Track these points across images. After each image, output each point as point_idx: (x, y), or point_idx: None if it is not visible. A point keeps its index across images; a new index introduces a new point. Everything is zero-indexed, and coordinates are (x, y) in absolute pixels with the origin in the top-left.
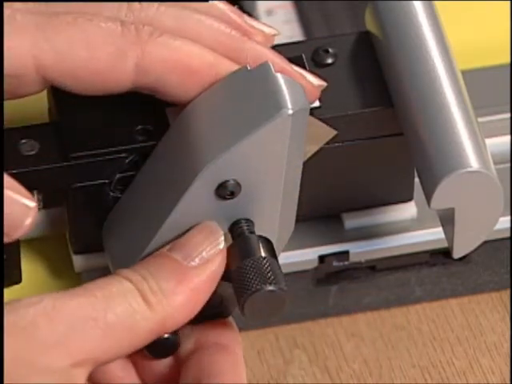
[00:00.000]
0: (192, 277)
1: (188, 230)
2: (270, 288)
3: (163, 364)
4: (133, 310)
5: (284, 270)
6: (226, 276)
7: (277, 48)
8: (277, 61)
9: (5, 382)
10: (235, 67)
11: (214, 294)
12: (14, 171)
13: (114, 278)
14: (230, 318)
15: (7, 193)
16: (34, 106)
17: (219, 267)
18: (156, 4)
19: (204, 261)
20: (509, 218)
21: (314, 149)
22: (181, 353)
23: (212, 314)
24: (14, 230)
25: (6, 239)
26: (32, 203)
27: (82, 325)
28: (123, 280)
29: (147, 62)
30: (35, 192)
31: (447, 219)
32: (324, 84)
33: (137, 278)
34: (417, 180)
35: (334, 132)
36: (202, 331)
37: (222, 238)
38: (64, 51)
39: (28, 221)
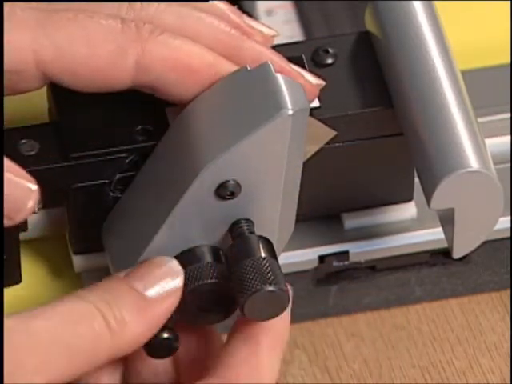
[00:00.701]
0: (151, 309)
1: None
2: (270, 288)
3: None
4: (96, 334)
5: (284, 270)
6: (228, 276)
7: (277, 48)
8: (275, 60)
9: None
10: (234, 67)
11: (214, 296)
12: None
13: (79, 302)
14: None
15: (9, 176)
16: (34, 106)
17: (175, 303)
18: (156, 3)
19: (163, 294)
20: (509, 218)
21: (313, 149)
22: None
23: (211, 315)
24: (16, 213)
25: (8, 222)
26: (34, 186)
27: (46, 349)
28: (89, 304)
29: (147, 60)
30: None
31: (447, 219)
32: (322, 83)
33: (102, 303)
34: (417, 180)
35: (334, 133)
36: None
37: (182, 276)
38: (64, 47)
39: (30, 203)
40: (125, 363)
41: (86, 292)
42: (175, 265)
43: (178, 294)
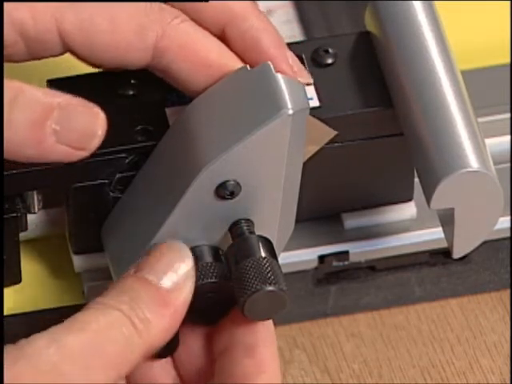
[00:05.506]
0: (170, 301)
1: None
2: (270, 288)
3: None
4: (127, 340)
5: (284, 270)
6: (228, 277)
7: None
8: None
9: None
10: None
11: (214, 296)
12: (13, 171)
13: (104, 310)
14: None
15: (73, 108)
16: None
17: (191, 288)
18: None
19: (179, 283)
20: (509, 217)
21: (313, 149)
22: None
23: (211, 315)
24: (87, 142)
25: (82, 153)
26: (101, 112)
27: (90, 362)
28: (114, 310)
29: (165, 44)
30: (35, 192)
31: (447, 219)
32: (310, 81)
33: (124, 306)
34: (417, 180)
35: (334, 132)
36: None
37: (191, 258)
38: (86, 19)
39: (100, 130)
40: None
41: (106, 298)
42: (182, 248)
43: (192, 276)
